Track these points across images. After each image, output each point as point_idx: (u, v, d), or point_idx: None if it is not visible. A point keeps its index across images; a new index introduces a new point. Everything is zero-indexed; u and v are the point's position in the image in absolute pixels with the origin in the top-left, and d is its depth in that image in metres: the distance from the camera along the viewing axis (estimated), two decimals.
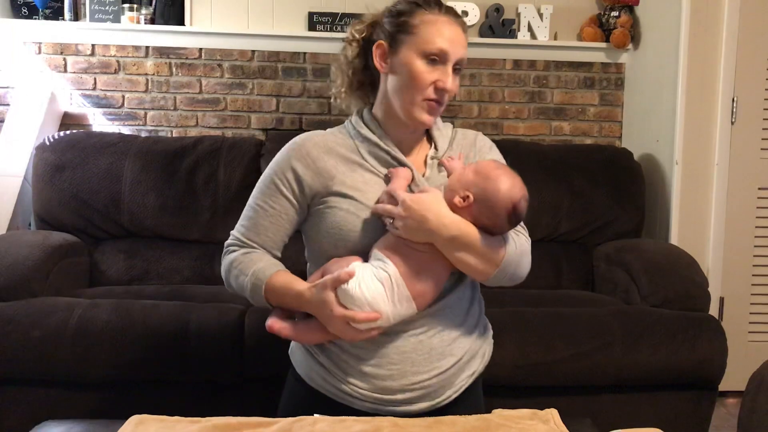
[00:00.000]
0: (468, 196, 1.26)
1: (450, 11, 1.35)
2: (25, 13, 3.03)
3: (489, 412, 1.26)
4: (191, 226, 2.64)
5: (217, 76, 3.11)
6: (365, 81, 1.44)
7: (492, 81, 3.24)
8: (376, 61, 1.37)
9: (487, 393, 2.10)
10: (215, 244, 2.53)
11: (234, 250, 1.39)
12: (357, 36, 1.42)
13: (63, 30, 3.01)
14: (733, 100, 2.76)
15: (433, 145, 1.43)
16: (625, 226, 2.79)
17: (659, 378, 2.13)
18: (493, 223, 1.27)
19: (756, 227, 2.82)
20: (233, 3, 3.11)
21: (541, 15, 3.19)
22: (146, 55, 3.08)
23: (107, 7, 3.01)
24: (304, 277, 1.35)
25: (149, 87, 3.10)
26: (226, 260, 1.40)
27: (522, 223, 1.39)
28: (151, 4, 3.06)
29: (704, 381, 2.17)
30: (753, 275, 2.84)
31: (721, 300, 2.81)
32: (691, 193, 2.80)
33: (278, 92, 3.14)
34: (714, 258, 2.80)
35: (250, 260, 1.36)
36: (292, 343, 1.45)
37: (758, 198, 2.82)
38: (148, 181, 2.61)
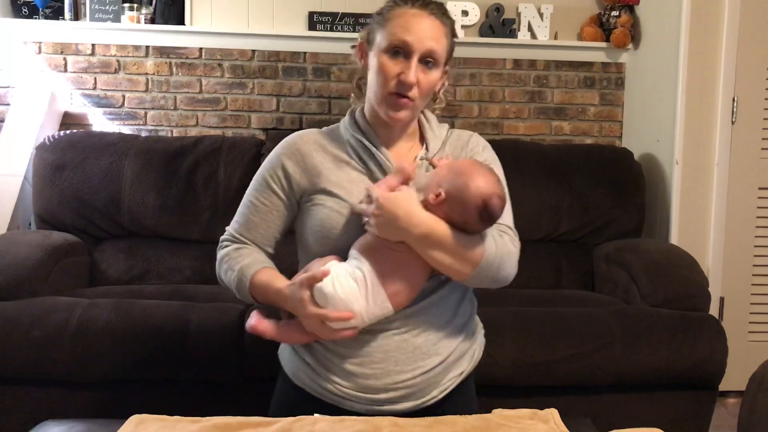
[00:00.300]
0: (440, 193, 1.25)
1: (428, 5, 1.33)
2: (25, 12, 3.03)
3: (489, 411, 1.26)
4: (191, 225, 2.64)
5: (217, 75, 3.11)
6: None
7: (492, 81, 3.24)
8: (358, 59, 1.39)
9: (487, 393, 2.10)
10: (215, 244, 2.50)
11: (226, 246, 1.42)
12: (361, 39, 1.42)
13: (63, 30, 3.01)
14: (733, 99, 2.76)
15: (425, 145, 1.42)
16: (626, 225, 2.79)
17: (659, 378, 2.13)
18: (464, 220, 1.26)
19: (756, 227, 2.82)
20: (233, 3, 3.11)
21: (541, 15, 3.19)
22: (146, 55, 3.08)
23: (107, 7, 3.01)
24: None
25: (149, 87, 3.10)
26: (219, 255, 1.42)
27: (511, 225, 1.37)
28: (151, 4, 3.06)
29: (704, 381, 2.17)
30: (753, 275, 2.84)
31: (722, 300, 2.81)
32: (691, 192, 2.80)
33: (278, 92, 3.14)
34: (714, 258, 2.80)
35: (240, 256, 1.38)
36: (282, 344, 1.45)
37: (758, 198, 2.81)
38: (149, 181, 2.61)
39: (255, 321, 1.33)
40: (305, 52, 3.13)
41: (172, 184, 2.62)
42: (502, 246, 1.30)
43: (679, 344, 2.11)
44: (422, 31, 1.30)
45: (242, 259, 1.37)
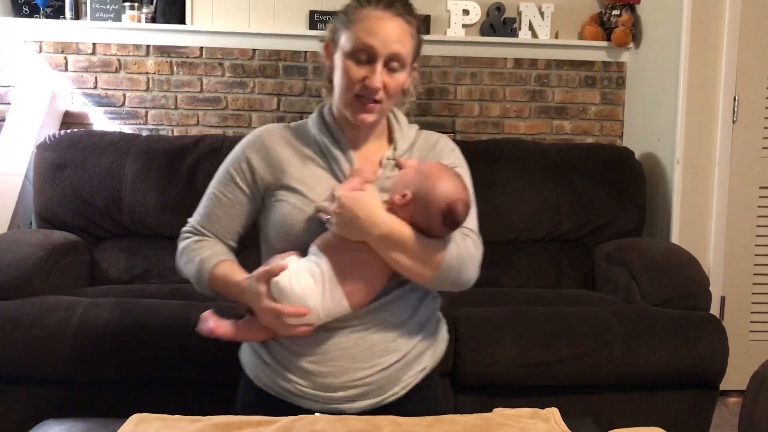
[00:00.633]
0: (406, 195, 1.25)
1: (394, 6, 1.30)
2: (26, 12, 3.03)
3: (490, 411, 1.25)
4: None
5: (218, 74, 3.11)
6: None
7: (493, 80, 3.24)
8: (324, 59, 1.38)
9: (488, 392, 2.11)
10: None
11: (187, 237, 1.41)
12: (330, 36, 1.40)
13: (64, 29, 3.01)
14: (734, 98, 2.76)
15: (392, 146, 1.41)
16: (626, 225, 2.78)
17: (660, 377, 2.13)
18: (428, 223, 1.25)
19: (757, 226, 2.82)
20: (234, 2, 3.11)
21: (542, 14, 3.19)
22: (147, 54, 3.08)
23: (108, 6, 3.01)
24: None
25: (150, 86, 3.10)
26: (179, 246, 1.42)
27: (474, 229, 1.36)
28: (152, 3, 3.06)
29: (705, 380, 2.17)
30: (754, 274, 2.84)
31: (722, 299, 2.81)
32: (692, 192, 2.79)
33: (279, 91, 3.14)
34: (715, 257, 2.80)
35: (200, 248, 1.37)
36: (242, 345, 1.44)
37: (759, 197, 2.81)
38: (149, 180, 2.61)
39: (213, 324, 1.30)
40: (306, 51, 3.13)
41: (172, 183, 2.62)
42: (464, 249, 1.29)
43: (680, 343, 2.11)
44: (386, 34, 1.28)
45: (202, 251, 1.36)
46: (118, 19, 3.02)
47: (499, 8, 3.18)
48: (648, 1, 3.11)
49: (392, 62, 1.30)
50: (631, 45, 3.20)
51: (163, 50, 3.08)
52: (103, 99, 3.08)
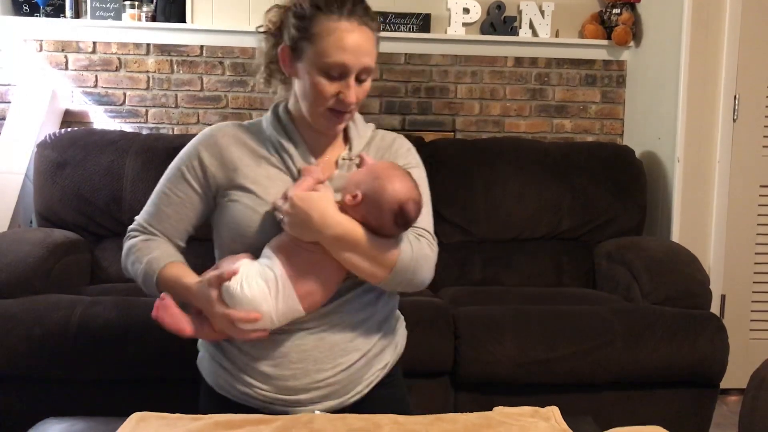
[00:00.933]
0: (357, 195, 1.24)
1: (355, 12, 1.25)
2: (26, 10, 3.03)
3: (490, 409, 1.25)
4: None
5: (218, 73, 3.11)
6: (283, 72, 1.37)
7: (493, 78, 3.24)
8: (282, 64, 1.33)
9: (488, 390, 2.11)
10: None
11: (135, 236, 1.37)
12: (271, 26, 1.37)
13: (64, 27, 3.01)
14: (735, 97, 2.76)
15: (348, 145, 1.39)
16: (627, 223, 2.78)
17: (660, 376, 2.13)
18: (379, 223, 1.24)
19: (758, 225, 2.82)
20: (234, 0, 3.10)
21: (542, 12, 3.19)
22: (147, 53, 3.08)
23: (108, 5, 3.01)
24: None
25: (150, 84, 3.09)
26: (126, 245, 1.37)
27: (429, 229, 1.35)
28: (152, 2, 3.06)
29: (705, 379, 2.17)
30: (754, 273, 2.83)
31: (723, 297, 2.81)
32: (692, 190, 2.79)
33: None
34: (715, 256, 2.80)
35: (148, 248, 1.34)
36: (200, 353, 1.42)
37: (760, 196, 2.81)
38: (150, 179, 2.61)
39: (171, 319, 1.25)
40: None
41: None
42: (418, 250, 1.28)
43: (680, 342, 2.11)
44: (357, 48, 1.24)
45: (150, 251, 1.32)
46: (118, 17, 3.02)
47: (500, 7, 3.18)
48: (648, 0, 3.11)
49: (362, 74, 1.28)
50: (632, 44, 3.20)
51: (163, 49, 3.08)
52: (104, 98, 3.08)
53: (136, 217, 1.40)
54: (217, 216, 1.36)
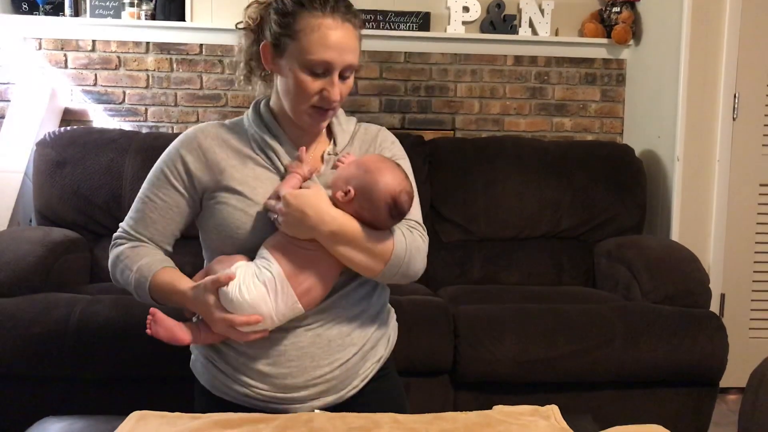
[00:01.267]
0: (349, 191, 1.24)
1: (338, 9, 1.25)
2: (25, 8, 3.03)
3: (490, 408, 1.25)
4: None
5: (217, 72, 3.11)
6: (265, 68, 1.37)
7: (493, 77, 3.24)
8: (264, 61, 1.33)
9: (488, 389, 2.11)
10: None
11: (121, 243, 1.35)
12: (251, 23, 1.37)
13: (63, 26, 3.00)
14: (734, 96, 2.76)
15: (332, 140, 1.39)
16: (626, 222, 2.79)
17: (660, 374, 2.13)
18: (374, 216, 1.25)
19: (757, 224, 2.82)
20: None
21: (542, 11, 3.19)
22: (147, 51, 3.07)
23: (108, 3, 3.00)
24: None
25: (150, 83, 3.09)
26: (113, 254, 1.35)
27: (419, 221, 1.36)
28: (151, 0, 3.05)
29: (705, 377, 2.17)
30: (754, 272, 2.83)
31: (722, 296, 2.81)
32: (692, 189, 2.79)
33: None
34: (715, 254, 2.80)
35: (137, 255, 1.32)
36: (193, 355, 1.41)
37: (760, 194, 2.81)
38: None
39: (170, 331, 1.24)
40: None
41: None
42: (411, 242, 1.30)
43: (680, 341, 2.11)
44: (341, 45, 1.24)
45: (140, 258, 1.31)
46: (117, 16, 3.02)
47: (499, 5, 3.18)
48: None
49: (345, 71, 1.28)
50: (632, 42, 3.20)
51: (162, 47, 3.07)
52: (103, 96, 3.08)
53: (121, 224, 1.38)
54: (204, 218, 1.35)
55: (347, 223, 1.24)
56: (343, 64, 1.25)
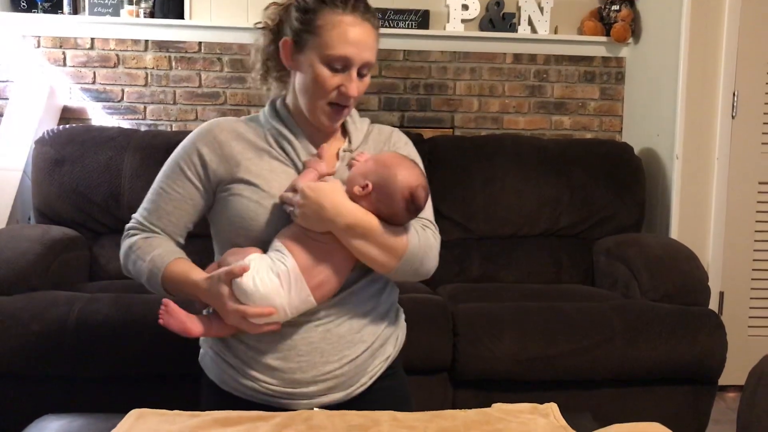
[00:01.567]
0: (367, 185, 1.26)
1: (358, 8, 1.28)
2: (23, 6, 3.02)
3: (488, 406, 1.25)
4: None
5: (216, 70, 3.11)
6: (281, 68, 1.40)
7: (492, 75, 3.24)
8: (283, 57, 1.35)
9: (487, 387, 2.11)
10: None
11: (134, 234, 1.36)
12: (270, 23, 1.39)
13: (62, 23, 3.00)
14: (733, 94, 2.76)
15: (347, 138, 1.41)
16: (626, 220, 2.79)
17: (659, 372, 2.14)
18: (392, 211, 1.26)
19: (756, 222, 2.82)
20: None
21: (541, 9, 3.19)
22: (145, 49, 3.07)
23: (106, 1, 3.00)
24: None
25: (148, 81, 3.09)
26: (125, 244, 1.36)
27: (432, 220, 1.38)
28: None
29: (704, 375, 2.17)
30: (753, 270, 2.84)
31: (721, 294, 2.81)
32: (691, 187, 2.79)
33: None
34: (714, 252, 2.80)
35: (149, 245, 1.32)
36: (201, 350, 1.42)
37: (759, 192, 2.81)
38: (148, 175, 2.59)
39: (182, 323, 1.25)
40: None
41: None
42: (425, 239, 1.31)
43: (679, 339, 2.12)
44: (360, 42, 1.27)
45: (152, 249, 1.31)
46: (116, 13, 3.01)
47: (499, 3, 3.17)
48: None
49: (363, 69, 1.30)
50: (631, 40, 3.20)
51: (161, 45, 3.07)
52: (102, 94, 3.07)
53: (134, 215, 1.39)
54: (217, 210, 1.36)
55: (363, 216, 1.25)
56: (361, 61, 1.28)
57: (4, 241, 2.22)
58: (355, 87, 1.29)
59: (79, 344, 1.96)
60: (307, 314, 1.27)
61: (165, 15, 3.03)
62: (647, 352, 2.10)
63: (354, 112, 1.43)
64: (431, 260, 1.33)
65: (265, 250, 1.27)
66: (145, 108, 3.10)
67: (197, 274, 1.28)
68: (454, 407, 1.27)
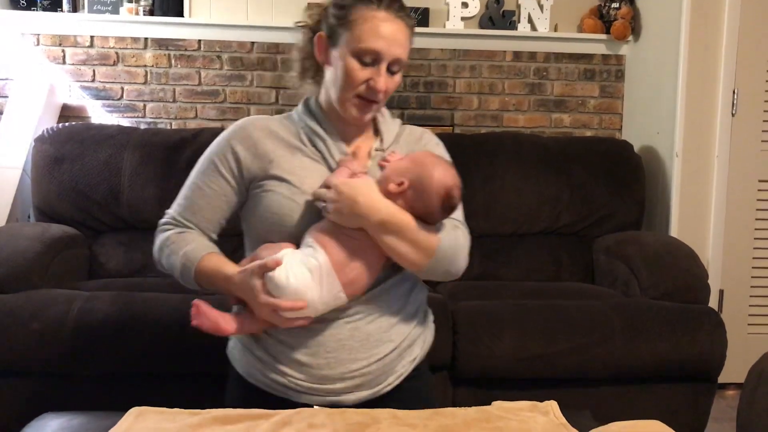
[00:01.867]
0: (403, 183, 1.26)
1: (392, 6, 1.30)
2: (23, 4, 3.02)
3: (488, 404, 1.26)
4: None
5: (216, 67, 3.11)
6: (318, 68, 1.42)
7: (492, 73, 3.23)
8: (317, 52, 1.37)
9: (487, 385, 2.11)
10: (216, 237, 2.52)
11: (168, 229, 1.38)
12: (309, 21, 1.41)
13: (61, 21, 3.00)
14: (733, 92, 2.75)
15: (379, 137, 1.42)
16: (625, 218, 2.79)
17: (659, 370, 2.14)
18: (427, 209, 1.27)
19: (756, 219, 2.82)
20: None
21: (541, 6, 3.19)
22: (145, 47, 3.07)
23: None
24: None
25: (148, 79, 3.09)
26: (159, 238, 1.38)
27: (463, 220, 1.39)
28: None
29: (704, 373, 2.17)
30: (753, 268, 2.84)
31: (721, 292, 2.81)
32: (691, 185, 2.79)
33: (277, 84, 3.13)
34: (714, 250, 2.80)
35: (183, 240, 1.34)
36: (230, 343, 1.43)
37: (758, 190, 2.81)
38: (148, 173, 2.61)
39: (215, 321, 1.26)
40: None
41: (171, 176, 2.60)
42: (456, 239, 1.32)
43: (679, 337, 2.12)
44: (391, 37, 1.29)
45: (186, 243, 1.33)
46: (115, 11, 3.01)
47: (498, 1, 3.17)
48: None
49: (393, 65, 1.31)
50: (631, 38, 3.20)
51: (161, 43, 3.07)
52: (101, 92, 3.07)
53: (168, 210, 1.41)
54: (250, 207, 1.37)
55: (397, 213, 1.26)
56: (391, 56, 1.29)
57: (3, 239, 2.22)
58: (383, 81, 1.30)
59: (78, 342, 1.96)
60: (337, 311, 1.28)
61: (164, 13, 3.03)
62: (647, 350, 2.10)
63: (386, 111, 1.45)
64: (462, 260, 1.34)
65: (297, 246, 1.28)
66: (144, 106, 3.10)
67: (230, 268, 1.29)
68: (453, 405, 1.27)
